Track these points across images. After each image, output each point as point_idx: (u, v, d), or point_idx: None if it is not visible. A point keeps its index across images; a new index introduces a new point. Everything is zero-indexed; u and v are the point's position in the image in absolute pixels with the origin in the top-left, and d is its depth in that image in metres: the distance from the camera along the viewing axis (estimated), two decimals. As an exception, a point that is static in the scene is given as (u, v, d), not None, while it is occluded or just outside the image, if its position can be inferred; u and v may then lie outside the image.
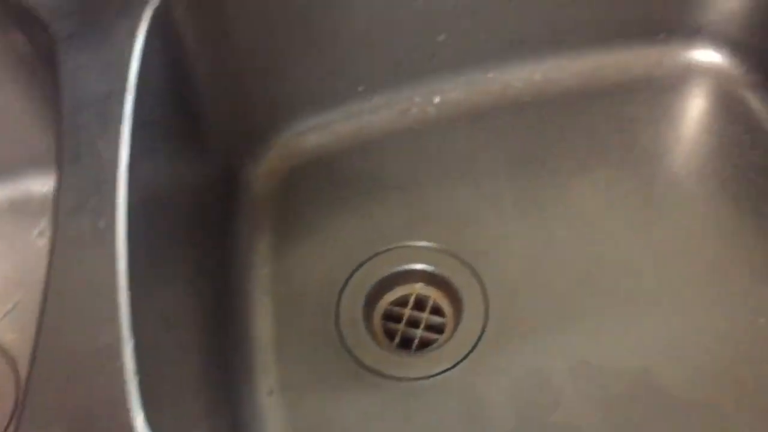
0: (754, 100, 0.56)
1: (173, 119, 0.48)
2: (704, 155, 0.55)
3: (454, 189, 0.56)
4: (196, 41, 0.49)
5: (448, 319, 0.50)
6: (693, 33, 0.57)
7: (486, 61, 0.59)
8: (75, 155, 0.38)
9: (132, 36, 0.43)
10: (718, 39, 0.57)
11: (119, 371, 0.31)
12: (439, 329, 0.50)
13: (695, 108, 0.58)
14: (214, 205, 0.53)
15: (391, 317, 0.51)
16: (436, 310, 0.51)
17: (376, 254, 0.53)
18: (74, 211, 0.36)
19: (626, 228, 0.53)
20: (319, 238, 0.55)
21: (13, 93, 0.54)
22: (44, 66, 0.49)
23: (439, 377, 0.47)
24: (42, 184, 0.60)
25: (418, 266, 0.52)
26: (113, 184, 0.37)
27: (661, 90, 0.58)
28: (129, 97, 0.40)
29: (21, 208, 0.60)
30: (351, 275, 0.52)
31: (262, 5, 0.51)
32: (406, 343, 0.49)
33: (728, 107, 0.57)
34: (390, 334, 0.50)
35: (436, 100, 0.60)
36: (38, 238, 0.59)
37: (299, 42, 0.54)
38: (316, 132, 0.59)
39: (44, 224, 0.59)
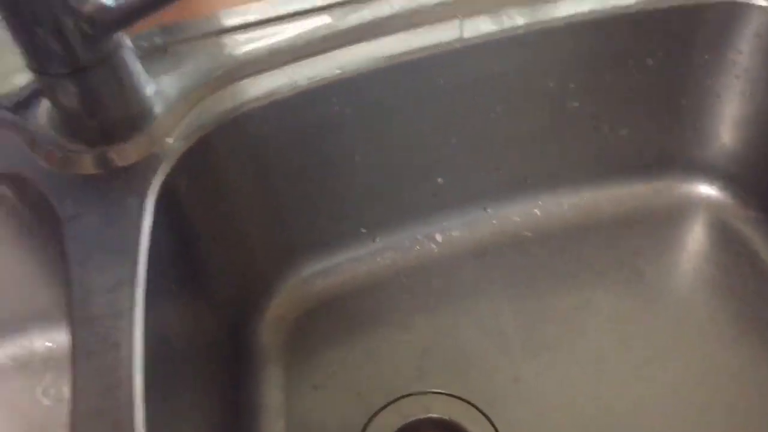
0: (750, 232, 0.57)
1: (181, 282, 0.49)
2: (706, 288, 0.56)
3: (461, 329, 0.56)
4: (200, 207, 0.50)
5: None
6: (687, 167, 0.59)
7: (485, 198, 0.60)
8: (88, 350, 0.38)
9: (139, 215, 0.43)
10: (711, 173, 0.59)
11: None
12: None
13: (693, 240, 0.59)
14: (224, 360, 0.53)
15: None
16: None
17: (389, 403, 0.53)
18: (91, 415, 0.35)
19: (636, 367, 0.53)
20: (331, 386, 0.54)
21: (17, 255, 0.54)
22: (50, 237, 0.50)
23: None
24: (45, 340, 0.59)
25: (433, 415, 0.52)
26: (129, 371, 0.37)
27: (659, 222, 0.59)
28: (140, 284, 0.40)
29: (24, 365, 0.59)
30: (365, 429, 0.52)
31: (261, 167, 0.52)
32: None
33: (726, 239, 0.58)
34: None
35: (439, 238, 0.61)
36: (43, 397, 0.58)
37: (299, 195, 0.55)
38: (321, 277, 0.59)
39: (48, 381, 0.59)
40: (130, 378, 0.37)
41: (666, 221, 0.59)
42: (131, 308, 0.39)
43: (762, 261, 0.56)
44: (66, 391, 0.58)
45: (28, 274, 0.56)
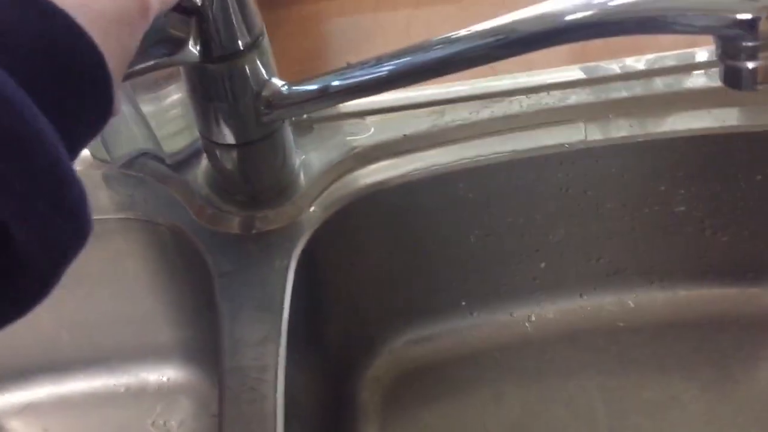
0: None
1: (309, 340, 0.53)
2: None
3: (550, 408, 0.59)
4: (331, 272, 0.54)
5: None
6: (782, 277, 0.61)
7: (582, 285, 0.63)
8: (236, 397, 0.42)
9: (283, 277, 0.48)
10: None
11: None
12: None
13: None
14: (330, 415, 0.56)
15: None
16: None
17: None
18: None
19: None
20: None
21: (154, 296, 0.59)
22: (195, 286, 0.55)
23: None
24: (158, 374, 0.64)
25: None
26: (273, 423, 0.41)
27: (750, 326, 0.61)
28: (283, 341, 0.44)
29: (137, 396, 0.64)
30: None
31: (389, 240, 0.56)
32: None
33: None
34: None
35: (534, 318, 0.64)
36: (152, 428, 0.63)
37: (416, 266, 0.59)
38: (421, 344, 0.63)
39: (159, 412, 0.63)
40: (273, 428, 0.41)
41: (758, 327, 0.61)
42: (276, 362, 0.43)
43: None
44: (174, 424, 0.63)
45: (156, 311, 0.61)
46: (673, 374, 0.60)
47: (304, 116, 0.56)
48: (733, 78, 0.33)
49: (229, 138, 0.47)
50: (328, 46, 0.68)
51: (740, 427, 0.56)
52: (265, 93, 0.45)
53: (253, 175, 0.50)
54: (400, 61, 0.43)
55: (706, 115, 0.54)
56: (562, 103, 0.55)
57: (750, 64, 0.32)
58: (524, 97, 0.56)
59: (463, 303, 0.63)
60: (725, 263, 0.62)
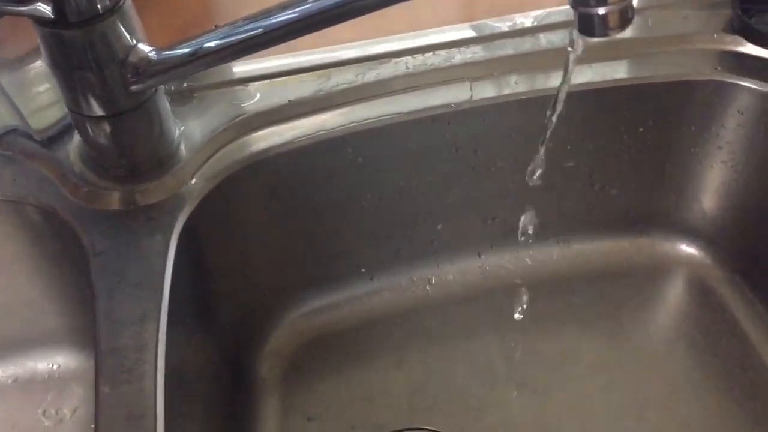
0: (726, 292, 0.61)
1: (195, 316, 0.51)
2: (683, 343, 0.60)
3: (452, 368, 0.59)
4: (216, 245, 0.52)
5: None
6: (670, 227, 0.63)
7: (479, 245, 0.63)
8: (114, 379, 0.40)
9: (163, 252, 0.46)
10: (692, 234, 0.63)
11: None
12: None
13: (673, 296, 0.62)
14: (226, 390, 0.55)
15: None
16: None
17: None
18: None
19: (616, 414, 0.56)
20: (324, 418, 0.57)
21: (31, 280, 0.56)
22: (73, 267, 0.52)
23: None
24: (47, 362, 0.61)
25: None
26: (152, 401, 0.39)
27: (641, 276, 0.63)
28: (163, 318, 0.42)
29: (25, 386, 0.61)
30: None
31: (275, 209, 0.54)
32: None
33: (704, 297, 0.62)
34: None
35: (433, 280, 0.64)
36: (43, 417, 0.60)
37: (307, 235, 0.58)
38: (321, 313, 0.62)
39: (49, 401, 0.60)
40: (153, 408, 0.39)
41: (649, 277, 0.63)
42: (155, 341, 0.42)
43: (735, 320, 0.60)
44: (66, 412, 0.60)
45: (38, 298, 0.58)
46: (570, 327, 0.61)
47: (185, 85, 0.53)
48: (586, 25, 0.33)
49: (98, 110, 0.45)
50: (209, 14, 0.65)
51: (631, 373, 0.58)
52: (132, 59, 0.43)
53: (127, 148, 0.47)
54: (273, 20, 0.41)
55: (588, 70, 0.55)
56: (448, 63, 0.54)
57: (600, 10, 0.32)
58: (410, 57, 0.55)
59: (363, 270, 0.63)
60: (615, 216, 0.63)
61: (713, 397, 0.56)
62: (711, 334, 0.60)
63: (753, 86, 0.53)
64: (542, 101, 0.53)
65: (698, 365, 0.58)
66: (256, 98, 0.53)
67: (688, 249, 0.63)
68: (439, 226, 0.61)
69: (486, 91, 0.54)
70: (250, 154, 0.51)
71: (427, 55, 0.55)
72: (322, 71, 0.54)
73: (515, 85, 0.54)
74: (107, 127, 0.46)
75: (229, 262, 0.55)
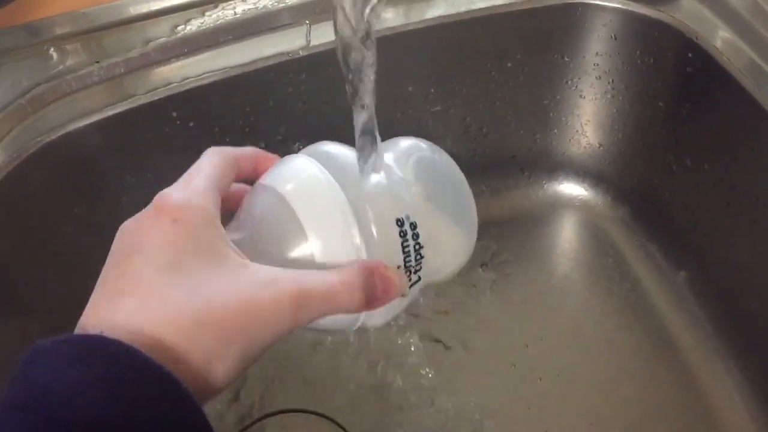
0: (616, 232, 0.57)
1: None
2: (574, 284, 0.55)
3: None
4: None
5: None
6: (556, 166, 0.58)
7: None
8: None
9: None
10: (580, 172, 0.58)
11: None
12: None
13: (563, 238, 0.58)
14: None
15: None
16: None
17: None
18: None
19: (510, 362, 0.52)
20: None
21: None
22: None
23: None
24: None
25: None
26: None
27: (528, 220, 0.58)
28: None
29: None
30: None
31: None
32: None
33: (594, 237, 0.57)
34: None
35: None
36: None
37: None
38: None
39: None
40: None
41: (538, 219, 0.58)
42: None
43: (626, 261, 0.56)
44: None
45: None
46: (455, 280, 0.56)
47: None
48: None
49: None
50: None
51: (516, 330, 0.54)
52: None
53: None
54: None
55: (442, 3, 0.48)
56: (282, 4, 0.48)
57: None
58: (239, 1, 0.48)
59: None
60: (498, 159, 0.58)
61: (604, 337, 0.52)
62: (601, 274, 0.55)
63: (622, 6, 0.48)
64: (387, 41, 0.47)
65: (589, 309, 0.54)
66: (57, 63, 0.46)
67: (577, 188, 0.58)
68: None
69: (323, 35, 0.47)
70: (46, 131, 0.44)
71: (257, -4, 0.48)
72: (131, 25, 0.46)
73: (360, 25, 0.48)
74: None
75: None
